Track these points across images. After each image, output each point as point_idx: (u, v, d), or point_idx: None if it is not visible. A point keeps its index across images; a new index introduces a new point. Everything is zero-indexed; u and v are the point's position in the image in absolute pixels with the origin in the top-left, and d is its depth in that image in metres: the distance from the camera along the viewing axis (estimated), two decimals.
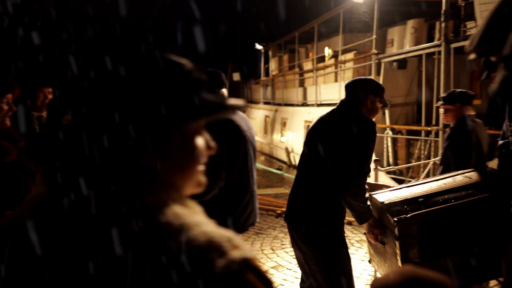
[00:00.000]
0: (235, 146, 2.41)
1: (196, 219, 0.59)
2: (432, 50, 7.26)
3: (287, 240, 5.17)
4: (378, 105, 2.47)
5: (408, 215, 2.24)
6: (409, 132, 8.20)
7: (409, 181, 6.77)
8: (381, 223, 2.45)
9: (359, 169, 2.27)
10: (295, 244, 2.47)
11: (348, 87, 2.50)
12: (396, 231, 2.24)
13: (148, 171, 0.59)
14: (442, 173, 2.79)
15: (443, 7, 6.64)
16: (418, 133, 7.79)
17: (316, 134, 2.44)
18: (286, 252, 4.79)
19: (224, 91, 2.57)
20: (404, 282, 0.60)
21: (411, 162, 7.64)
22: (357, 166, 2.26)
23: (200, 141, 0.66)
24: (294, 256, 4.62)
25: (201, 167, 0.69)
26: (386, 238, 2.42)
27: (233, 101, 0.67)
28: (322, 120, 2.49)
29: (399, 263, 2.26)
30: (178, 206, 0.60)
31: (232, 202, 2.44)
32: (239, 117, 2.53)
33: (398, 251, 2.26)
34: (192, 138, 0.65)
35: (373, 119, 2.43)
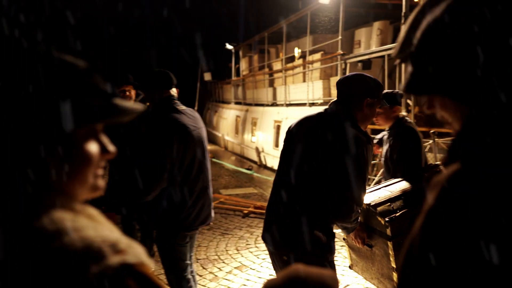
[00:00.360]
0: (180, 146, 2.36)
1: (80, 223, 0.58)
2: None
3: (252, 240, 5.18)
4: (376, 108, 2.06)
5: (398, 214, 2.18)
6: (373, 131, 8.39)
7: (373, 179, 6.94)
8: (367, 226, 2.35)
9: (358, 198, 1.96)
10: (280, 269, 2.09)
11: (340, 86, 2.05)
12: (388, 232, 2.17)
13: (28, 176, 0.57)
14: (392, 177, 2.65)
15: (403, 10, 6.84)
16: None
17: (307, 147, 1.99)
18: (251, 252, 4.80)
19: (173, 91, 2.52)
20: (287, 281, 0.61)
21: (375, 160, 7.81)
22: (356, 195, 1.93)
23: (92, 146, 0.64)
24: (259, 256, 4.68)
25: (98, 171, 0.67)
26: (374, 240, 2.33)
27: (126, 105, 0.66)
28: (309, 129, 2.03)
29: (393, 264, 2.20)
30: (62, 211, 0.58)
31: (177, 202, 2.39)
32: (187, 116, 2.48)
33: (391, 252, 2.20)
34: (80, 143, 0.62)
35: (368, 124, 2.11)
